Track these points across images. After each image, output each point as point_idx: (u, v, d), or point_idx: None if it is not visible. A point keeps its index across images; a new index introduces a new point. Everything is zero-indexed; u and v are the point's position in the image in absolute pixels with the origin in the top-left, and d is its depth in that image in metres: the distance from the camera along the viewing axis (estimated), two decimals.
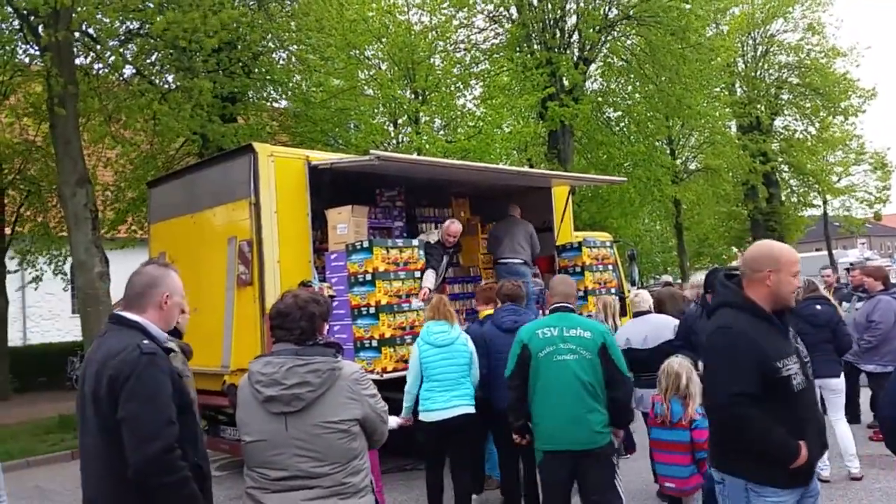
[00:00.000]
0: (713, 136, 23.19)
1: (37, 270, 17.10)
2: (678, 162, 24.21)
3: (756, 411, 2.80)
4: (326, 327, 2.96)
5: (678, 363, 4.80)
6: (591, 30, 17.63)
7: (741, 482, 2.88)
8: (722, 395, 2.86)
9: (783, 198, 28.32)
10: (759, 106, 25.67)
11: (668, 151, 23.49)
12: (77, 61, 11.61)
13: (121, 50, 12.32)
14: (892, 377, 3.15)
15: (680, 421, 4.62)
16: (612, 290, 9.11)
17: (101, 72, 12.78)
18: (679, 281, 21.41)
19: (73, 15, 10.01)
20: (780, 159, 27.33)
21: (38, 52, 11.07)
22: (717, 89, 22.11)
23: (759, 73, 26.97)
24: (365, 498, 2.75)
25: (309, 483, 2.63)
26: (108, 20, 11.08)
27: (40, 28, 10.53)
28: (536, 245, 8.70)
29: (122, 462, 2.48)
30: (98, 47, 11.90)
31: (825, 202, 30.11)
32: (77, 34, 10.99)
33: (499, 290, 6.11)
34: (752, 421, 2.80)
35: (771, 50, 26.86)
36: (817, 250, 36.13)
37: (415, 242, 7.20)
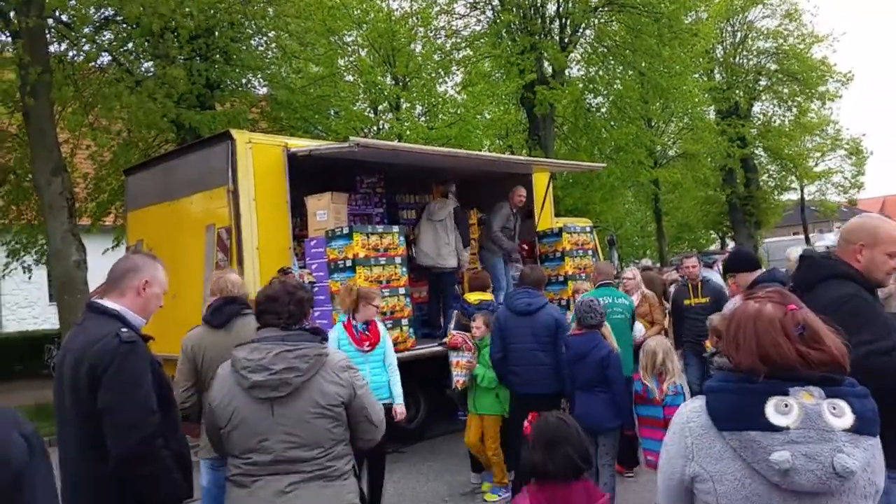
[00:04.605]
0: (693, 121, 23.31)
1: (19, 262, 16.79)
2: (658, 148, 24.34)
3: None
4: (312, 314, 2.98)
5: (656, 342, 4.93)
6: (577, 12, 17.58)
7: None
8: (860, 351, 2.41)
9: (761, 183, 28.56)
10: (737, 91, 25.82)
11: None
12: (51, 49, 11.40)
13: (95, 37, 12.10)
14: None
15: (655, 398, 4.74)
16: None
17: (75, 59, 12.56)
18: (658, 265, 21.58)
19: (46, 1, 9.82)
20: (758, 143, 27.56)
21: (9, 39, 10.85)
22: (697, 75, 22.21)
23: (737, 59, 27.10)
24: (348, 481, 2.77)
25: (293, 468, 2.64)
26: (81, 6, 10.86)
27: (11, 14, 10.33)
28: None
29: (103, 451, 2.47)
30: (73, 34, 11.70)
31: (802, 187, 30.42)
32: (50, 21, 10.78)
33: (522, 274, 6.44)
34: None
35: (749, 36, 26.99)
36: (794, 234, 36.56)
37: (395, 228, 7.21)
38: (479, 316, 6.23)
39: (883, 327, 2.62)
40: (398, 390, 5.40)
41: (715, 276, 9.22)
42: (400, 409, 5.35)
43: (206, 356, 3.83)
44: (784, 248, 19.37)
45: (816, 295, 2.80)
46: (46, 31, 10.73)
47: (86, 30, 11.83)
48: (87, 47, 11.87)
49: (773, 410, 1.67)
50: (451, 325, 7.43)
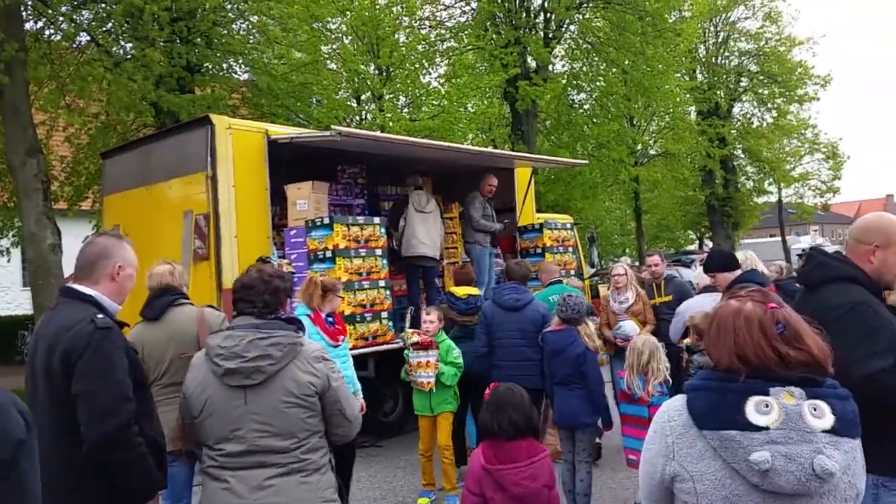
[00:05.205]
0: (674, 121, 23.47)
1: None
2: (638, 147, 24.48)
3: None
4: (289, 304, 2.95)
5: (643, 341, 4.93)
6: (561, 8, 17.59)
7: (870, 478, 2.45)
8: (867, 367, 2.42)
9: (739, 185, 28.85)
10: (718, 92, 26.04)
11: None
12: (27, 26, 11.17)
13: (73, 16, 11.88)
14: None
15: (641, 397, 4.75)
16: (572, 272, 9.22)
17: (52, 38, 12.33)
18: (637, 263, 21.74)
19: None
20: (738, 144, 27.82)
21: None
22: (679, 74, 22.36)
23: (719, 59, 27.33)
24: (326, 475, 2.74)
25: (269, 460, 2.61)
26: None
27: None
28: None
29: (77, 438, 2.44)
30: (50, 12, 11.47)
31: (780, 190, 30.77)
32: None
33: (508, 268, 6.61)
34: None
35: (732, 37, 27.22)
36: (771, 237, 37.04)
37: (376, 220, 7.17)
38: (434, 310, 5.99)
39: (891, 339, 2.52)
40: (358, 384, 5.31)
41: (690, 275, 9.27)
42: (362, 402, 5.20)
43: (145, 351, 3.91)
44: (761, 250, 19.60)
45: (821, 296, 2.74)
46: (22, 8, 10.51)
47: (63, 8, 11.60)
48: (64, 26, 11.64)
49: (753, 410, 1.66)
50: (407, 323, 7.29)
